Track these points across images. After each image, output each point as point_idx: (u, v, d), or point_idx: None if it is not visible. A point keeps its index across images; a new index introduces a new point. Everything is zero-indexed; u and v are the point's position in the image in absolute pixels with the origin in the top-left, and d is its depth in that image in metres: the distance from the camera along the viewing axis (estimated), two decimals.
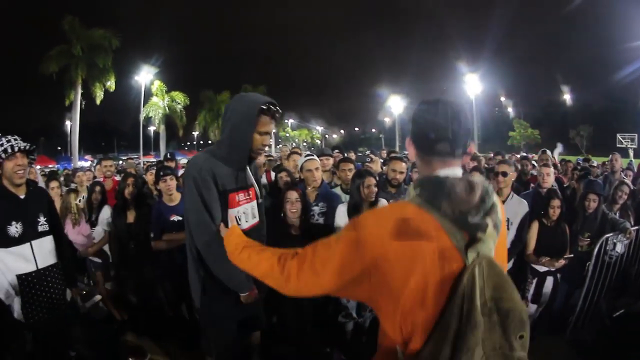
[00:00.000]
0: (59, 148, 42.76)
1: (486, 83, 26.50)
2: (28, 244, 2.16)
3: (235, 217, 1.83)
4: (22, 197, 2.19)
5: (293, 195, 2.56)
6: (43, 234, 2.24)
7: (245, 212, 1.92)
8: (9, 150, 2.08)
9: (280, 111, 1.83)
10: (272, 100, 1.77)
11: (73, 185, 4.48)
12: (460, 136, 1.05)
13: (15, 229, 2.11)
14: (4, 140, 2.11)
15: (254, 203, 2.00)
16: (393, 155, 4.16)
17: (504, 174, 2.93)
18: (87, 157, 27.83)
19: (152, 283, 3.29)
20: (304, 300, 2.56)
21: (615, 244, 3.00)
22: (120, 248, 3.45)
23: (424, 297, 0.97)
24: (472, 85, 26.67)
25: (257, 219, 2.01)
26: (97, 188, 3.60)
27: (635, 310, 2.88)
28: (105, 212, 3.52)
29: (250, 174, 1.97)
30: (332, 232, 3.05)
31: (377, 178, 2.77)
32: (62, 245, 2.40)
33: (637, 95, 29.86)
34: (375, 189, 2.63)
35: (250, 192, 1.97)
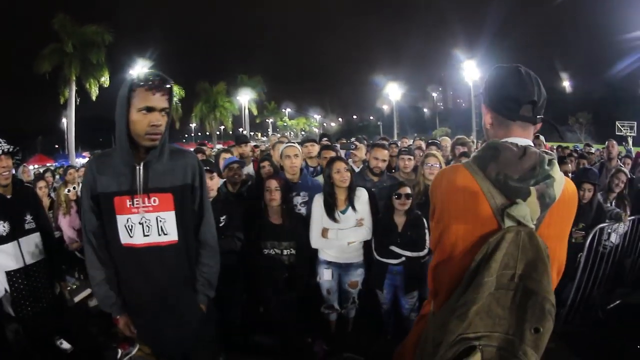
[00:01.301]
0: (57, 146, 42.53)
1: (484, 69, 26.02)
2: (15, 241, 2.20)
3: (125, 226, 1.47)
4: (8, 197, 2.24)
5: (272, 184, 2.52)
6: (30, 231, 2.28)
7: (144, 223, 1.48)
8: None
9: (164, 79, 1.45)
10: (152, 72, 1.48)
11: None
12: (542, 102, 1.05)
13: (2, 227, 2.16)
14: None
15: (168, 214, 1.50)
16: (375, 142, 4.05)
17: None
18: (84, 153, 27.68)
19: None
20: (289, 291, 2.57)
21: (609, 234, 2.96)
22: None
23: (454, 250, 1.03)
24: (470, 71, 26.37)
25: (171, 238, 1.52)
26: None
27: (631, 301, 2.85)
28: None
29: (168, 174, 1.51)
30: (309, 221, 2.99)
31: (348, 163, 2.69)
32: (50, 241, 2.44)
33: (638, 84, 29.69)
34: (347, 173, 2.56)
35: (157, 198, 1.49)
